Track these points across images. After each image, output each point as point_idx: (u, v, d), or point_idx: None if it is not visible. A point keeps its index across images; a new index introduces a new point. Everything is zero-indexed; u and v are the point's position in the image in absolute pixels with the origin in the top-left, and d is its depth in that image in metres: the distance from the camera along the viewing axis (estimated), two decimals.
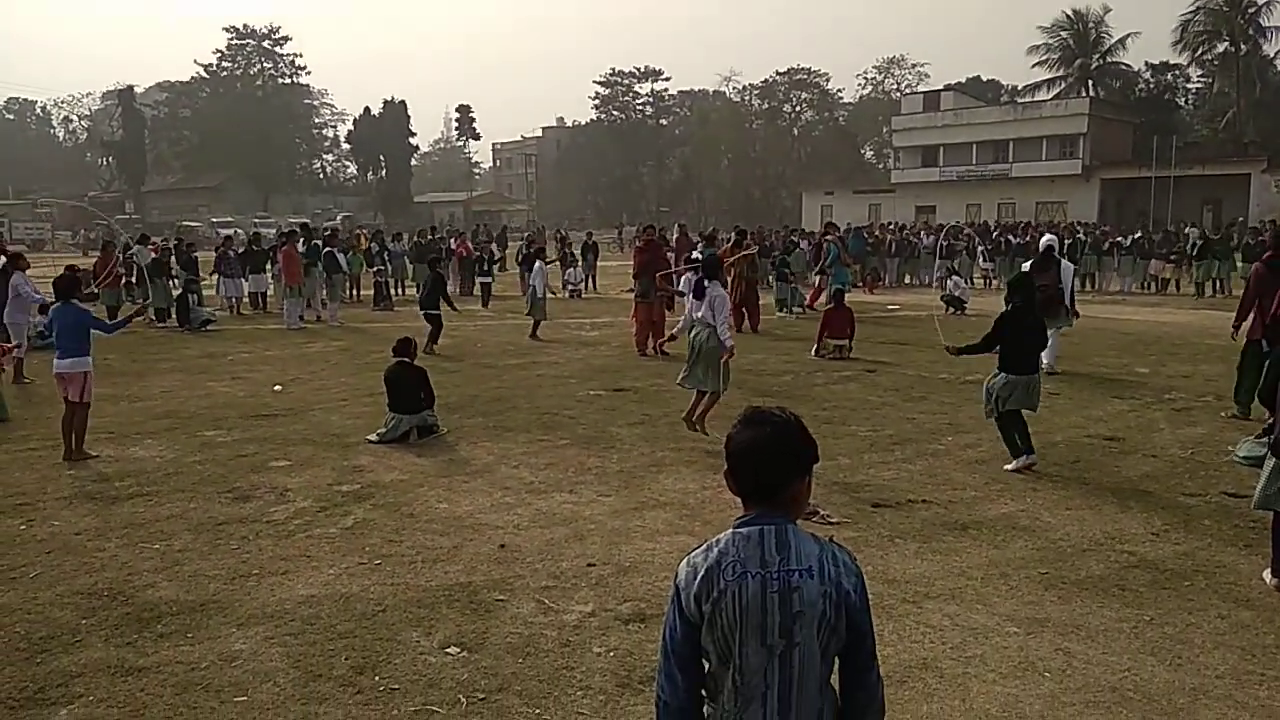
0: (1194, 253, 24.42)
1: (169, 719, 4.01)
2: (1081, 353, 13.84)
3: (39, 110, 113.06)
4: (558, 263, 25.85)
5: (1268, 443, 5.52)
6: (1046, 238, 13.61)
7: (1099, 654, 4.54)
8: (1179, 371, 12.41)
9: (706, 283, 8.74)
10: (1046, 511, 6.72)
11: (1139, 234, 28.84)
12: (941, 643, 4.67)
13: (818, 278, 21.53)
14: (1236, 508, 6.70)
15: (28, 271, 13.00)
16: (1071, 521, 6.50)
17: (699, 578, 2.13)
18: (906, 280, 29.40)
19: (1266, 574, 5.41)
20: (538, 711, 4.06)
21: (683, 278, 15.23)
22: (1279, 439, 5.27)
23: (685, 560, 2.20)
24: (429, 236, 26.81)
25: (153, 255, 20.83)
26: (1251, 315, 9.60)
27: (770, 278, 21.71)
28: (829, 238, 20.97)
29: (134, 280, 19.94)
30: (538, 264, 17.09)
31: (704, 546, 2.19)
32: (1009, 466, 7.69)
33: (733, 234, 18.94)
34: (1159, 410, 10.12)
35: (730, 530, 2.17)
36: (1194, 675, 4.35)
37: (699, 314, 8.70)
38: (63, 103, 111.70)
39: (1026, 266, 12.36)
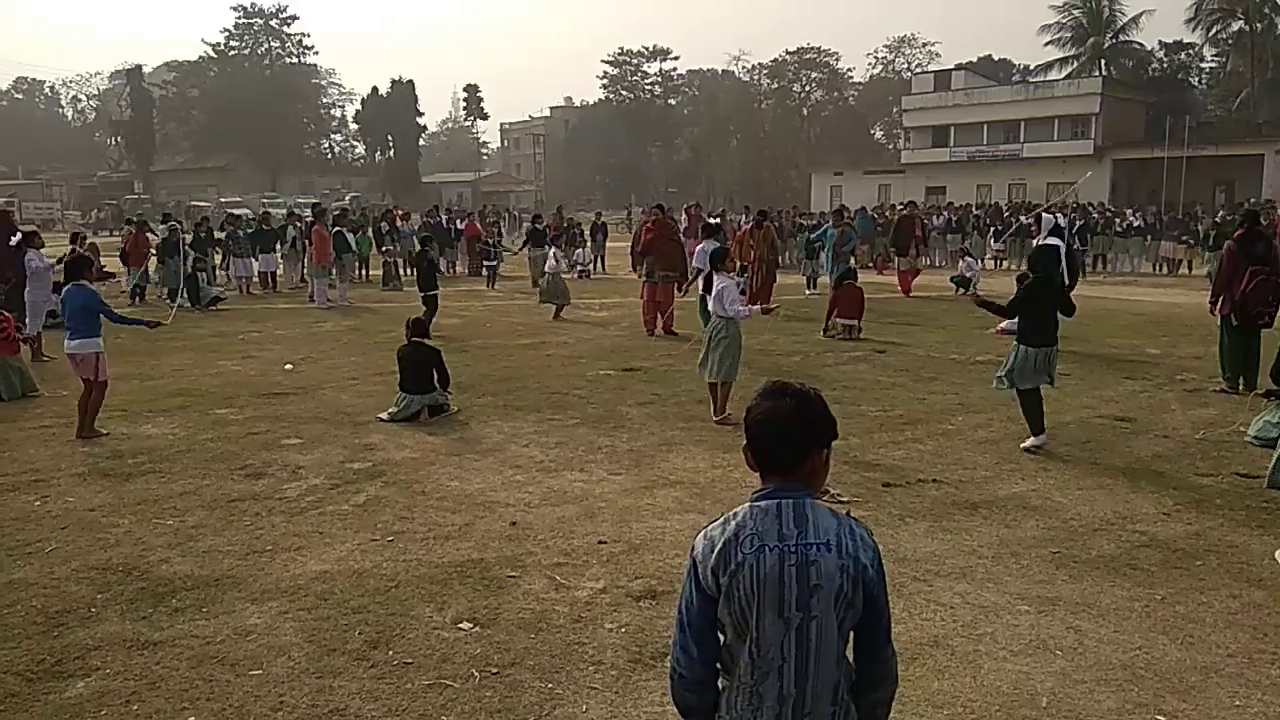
0: (1210, 241, 23.62)
1: (185, 692, 4.04)
2: (1093, 334, 13.78)
3: (47, 90, 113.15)
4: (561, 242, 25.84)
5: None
6: (1047, 217, 13.47)
7: (1110, 632, 4.55)
8: (1191, 353, 12.35)
9: (715, 275, 8.75)
10: (1058, 491, 6.71)
11: (1150, 216, 28.63)
12: (953, 621, 4.68)
13: (899, 258, 21.44)
14: (1248, 488, 6.68)
15: (42, 250, 13.10)
16: (1083, 501, 6.49)
17: (716, 550, 2.13)
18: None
19: (1278, 554, 5.41)
20: (550, 686, 4.08)
21: (697, 250, 15.18)
22: None
23: (702, 533, 2.20)
24: (435, 217, 26.79)
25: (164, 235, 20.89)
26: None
27: (799, 256, 21.75)
28: (846, 222, 20.93)
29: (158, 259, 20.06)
30: (551, 249, 17.15)
31: (721, 520, 2.19)
32: (1025, 444, 7.69)
33: (743, 214, 18.92)
34: (1170, 391, 10.08)
35: (748, 503, 2.17)
36: (1205, 654, 4.35)
37: (710, 305, 8.70)
38: (71, 82, 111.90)
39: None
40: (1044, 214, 14.31)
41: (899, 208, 27.32)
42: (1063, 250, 12.43)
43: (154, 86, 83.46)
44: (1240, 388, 9.72)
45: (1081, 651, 4.36)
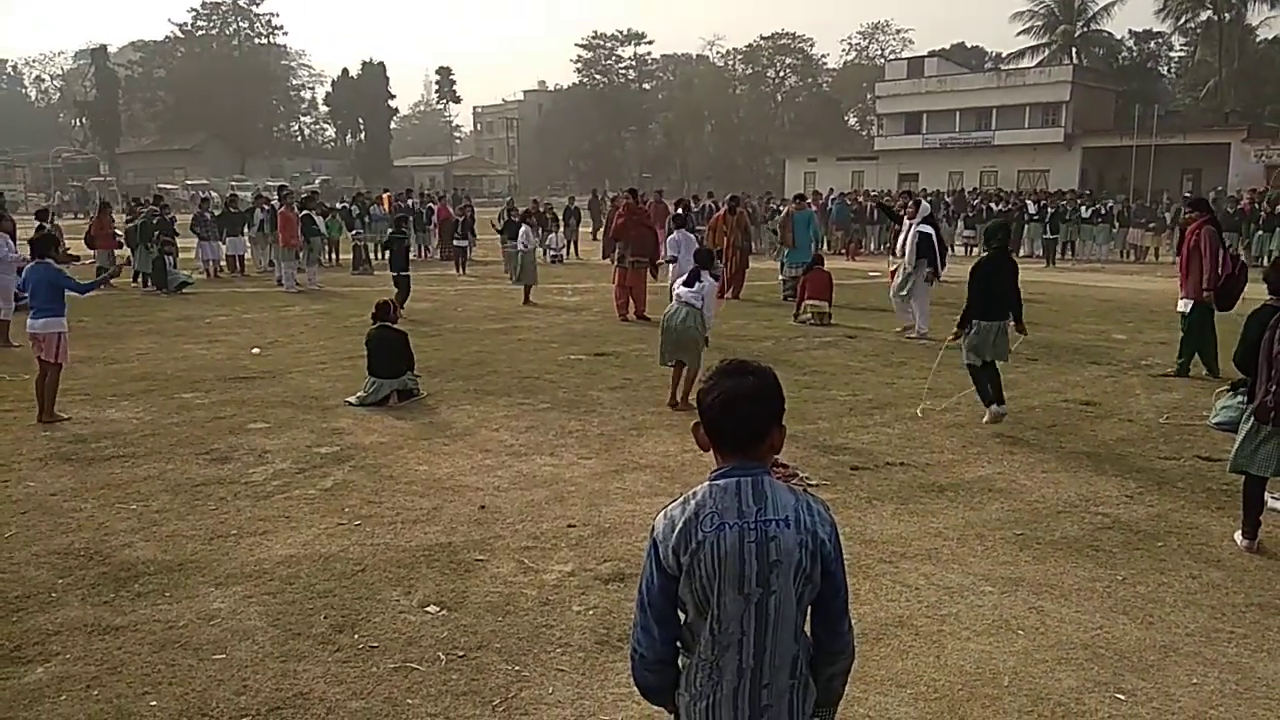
0: (1176, 222, 24.33)
1: (147, 677, 4.00)
2: (1059, 319, 13.93)
3: (10, 69, 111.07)
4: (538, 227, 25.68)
5: (1241, 405, 5.57)
6: (924, 205, 13.46)
7: (1072, 612, 4.61)
8: (1156, 338, 12.50)
9: (702, 273, 8.72)
10: (1022, 474, 6.78)
11: (1114, 202, 28.94)
12: (918, 601, 4.72)
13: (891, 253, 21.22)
14: (1209, 471, 6.78)
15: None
16: (1047, 484, 6.57)
17: (677, 530, 2.13)
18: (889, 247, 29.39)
19: (1237, 535, 5.50)
20: (517, 668, 4.08)
21: (669, 239, 15.15)
22: (1260, 404, 5.31)
23: (662, 513, 2.21)
24: (407, 199, 26.59)
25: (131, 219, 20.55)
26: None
27: (772, 242, 21.69)
28: (791, 206, 20.64)
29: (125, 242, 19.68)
30: (524, 228, 17.01)
31: (681, 499, 2.20)
32: (986, 419, 7.82)
33: (712, 198, 18.82)
34: (1135, 376, 10.21)
35: (707, 482, 2.17)
36: (1165, 633, 4.41)
37: (685, 295, 8.61)
38: (34, 62, 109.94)
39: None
40: (923, 201, 14.33)
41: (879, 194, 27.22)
42: (934, 237, 12.70)
43: (119, 66, 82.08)
44: (1189, 371, 9.96)
45: (1043, 631, 4.42)
